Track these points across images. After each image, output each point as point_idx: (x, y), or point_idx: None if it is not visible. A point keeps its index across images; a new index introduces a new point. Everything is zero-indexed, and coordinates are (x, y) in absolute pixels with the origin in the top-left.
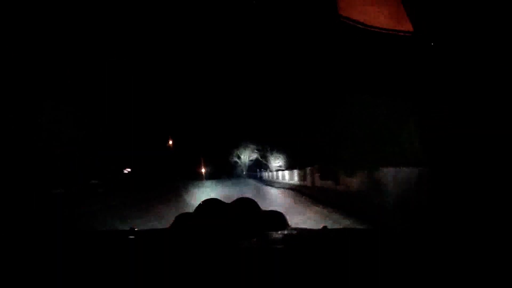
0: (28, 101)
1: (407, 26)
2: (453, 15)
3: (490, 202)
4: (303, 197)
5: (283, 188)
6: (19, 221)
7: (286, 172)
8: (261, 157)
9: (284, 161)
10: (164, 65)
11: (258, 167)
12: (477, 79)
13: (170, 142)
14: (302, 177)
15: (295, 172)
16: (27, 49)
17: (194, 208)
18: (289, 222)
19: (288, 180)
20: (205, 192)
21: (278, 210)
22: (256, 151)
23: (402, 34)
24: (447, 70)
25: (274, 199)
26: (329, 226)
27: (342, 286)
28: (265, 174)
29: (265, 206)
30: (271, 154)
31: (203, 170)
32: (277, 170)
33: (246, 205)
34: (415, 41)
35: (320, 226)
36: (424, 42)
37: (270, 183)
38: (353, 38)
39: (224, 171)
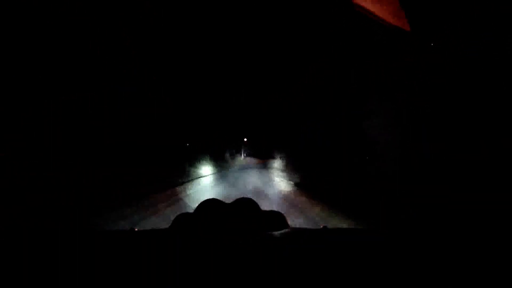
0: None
1: (406, 26)
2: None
3: None
4: None
5: None
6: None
7: None
8: None
9: None
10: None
11: None
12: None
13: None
14: None
15: None
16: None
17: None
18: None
19: None
20: None
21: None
22: None
23: (403, 31)
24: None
25: None
26: None
27: (342, 287)
28: None
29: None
30: None
31: None
32: None
33: (246, 205)
34: (414, 39)
35: (320, 226)
36: (421, 41)
37: None
38: (364, 27)
39: None
